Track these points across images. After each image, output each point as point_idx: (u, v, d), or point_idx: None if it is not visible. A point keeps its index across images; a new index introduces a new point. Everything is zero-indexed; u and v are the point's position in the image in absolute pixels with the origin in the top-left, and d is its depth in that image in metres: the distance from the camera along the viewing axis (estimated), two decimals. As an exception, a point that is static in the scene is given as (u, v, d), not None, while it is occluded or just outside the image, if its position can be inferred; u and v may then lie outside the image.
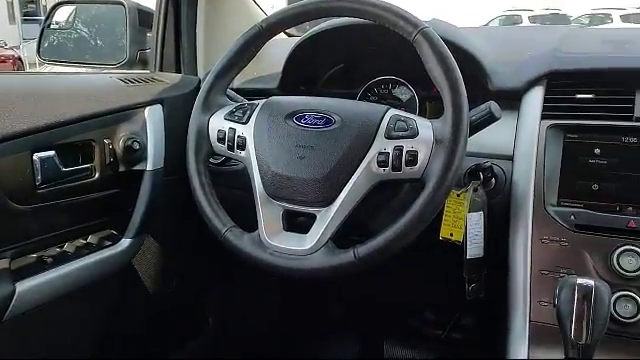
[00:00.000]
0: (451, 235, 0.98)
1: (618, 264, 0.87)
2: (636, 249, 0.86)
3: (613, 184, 0.92)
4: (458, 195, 0.97)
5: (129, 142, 1.08)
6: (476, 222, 0.97)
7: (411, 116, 0.86)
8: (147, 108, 1.14)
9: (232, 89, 1.12)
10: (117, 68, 1.38)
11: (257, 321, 1.67)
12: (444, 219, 0.98)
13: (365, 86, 1.22)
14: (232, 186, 1.03)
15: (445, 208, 0.97)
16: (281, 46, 1.23)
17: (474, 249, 0.97)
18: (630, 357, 0.85)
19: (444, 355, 1.64)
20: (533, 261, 0.92)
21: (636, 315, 0.85)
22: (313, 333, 1.78)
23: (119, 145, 1.07)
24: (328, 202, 0.85)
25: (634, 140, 0.92)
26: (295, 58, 1.22)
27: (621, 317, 0.85)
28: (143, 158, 1.11)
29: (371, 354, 1.73)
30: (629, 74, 0.98)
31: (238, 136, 0.94)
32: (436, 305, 1.59)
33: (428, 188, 0.80)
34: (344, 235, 0.87)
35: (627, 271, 0.86)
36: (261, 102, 0.97)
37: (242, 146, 0.93)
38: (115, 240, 1.11)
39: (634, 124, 0.92)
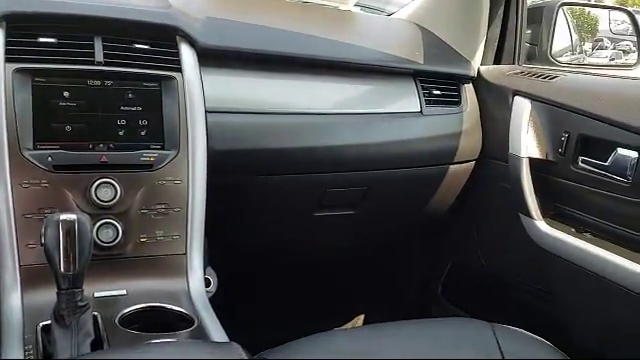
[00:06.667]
0: None
1: (96, 196, 0.97)
2: (110, 181, 0.98)
3: (84, 124, 0.99)
4: None
5: None
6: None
7: None
8: None
9: None
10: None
11: None
12: None
13: None
14: None
15: None
16: None
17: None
18: (115, 274, 0.98)
19: None
20: (15, 207, 0.92)
21: (116, 238, 0.98)
22: None
23: None
24: None
25: (97, 83, 1.00)
26: None
27: (104, 242, 0.97)
28: None
29: None
30: (87, 20, 1.04)
31: None
32: None
33: None
34: None
35: (104, 201, 0.97)
36: None
37: None
38: None
39: (95, 67, 1.00)
